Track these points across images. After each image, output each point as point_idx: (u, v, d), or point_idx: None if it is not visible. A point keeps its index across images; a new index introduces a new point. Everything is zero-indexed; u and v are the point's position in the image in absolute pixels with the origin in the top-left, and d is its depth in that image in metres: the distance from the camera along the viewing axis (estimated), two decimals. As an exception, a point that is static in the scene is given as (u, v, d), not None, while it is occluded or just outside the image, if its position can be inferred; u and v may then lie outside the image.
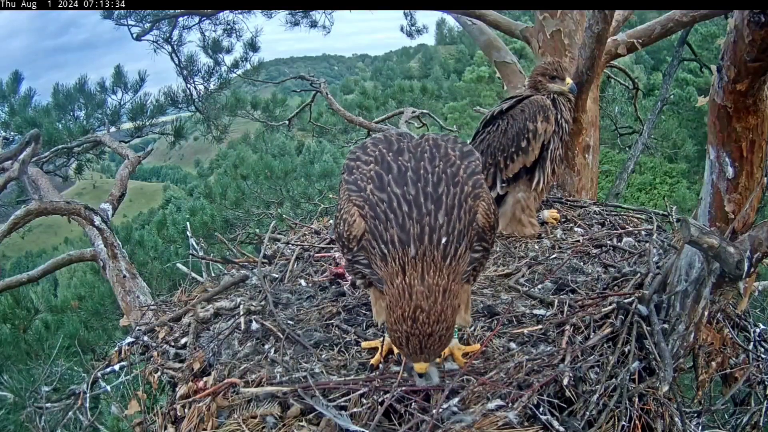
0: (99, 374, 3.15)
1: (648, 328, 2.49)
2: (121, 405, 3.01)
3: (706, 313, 2.47)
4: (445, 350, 2.43)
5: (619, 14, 5.27)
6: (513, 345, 2.53)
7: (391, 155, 2.22)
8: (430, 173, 2.13)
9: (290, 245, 3.97)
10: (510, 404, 2.11)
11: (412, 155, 2.21)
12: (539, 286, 3.06)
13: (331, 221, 4.37)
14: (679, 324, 2.49)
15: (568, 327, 2.55)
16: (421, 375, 2.17)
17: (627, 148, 11.47)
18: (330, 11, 9.43)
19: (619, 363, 2.38)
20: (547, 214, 4.05)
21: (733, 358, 3.05)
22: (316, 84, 9.18)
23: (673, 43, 11.46)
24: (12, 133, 7.54)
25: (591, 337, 2.49)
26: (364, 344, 2.62)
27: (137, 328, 3.29)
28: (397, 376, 2.26)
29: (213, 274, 3.99)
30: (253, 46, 9.79)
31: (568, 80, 3.84)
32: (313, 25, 9.75)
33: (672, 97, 11.95)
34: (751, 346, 3.11)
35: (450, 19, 26.65)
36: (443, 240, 1.99)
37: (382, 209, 2.06)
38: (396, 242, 2.00)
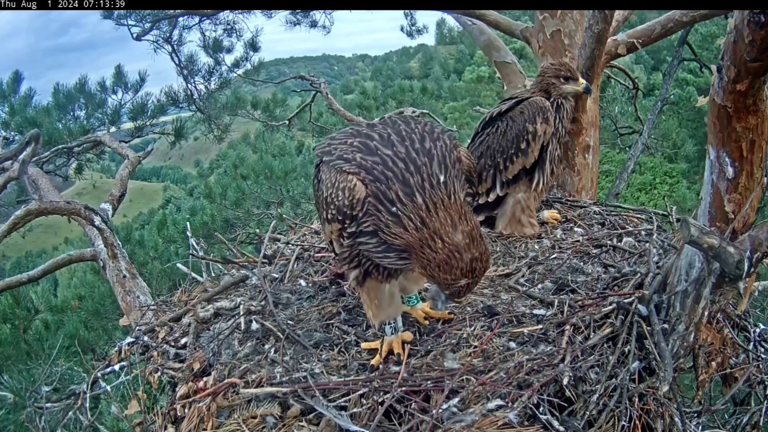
0: (99, 374, 3.15)
1: (648, 328, 2.49)
2: (121, 405, 3.02)
3: (706, 313, 2.47)
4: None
5: (619, 14, 5.27)
6: (513, 344, 2.53)
7: (365, 129, 2.28)
8: (413, 132, 2.20)
9: (290, 245, 3.97)
10: (510, 404, 2.11)
11: (386, 125, 2.27)
12: (539, 286, 3.06)
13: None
14: (679, 324, 2.49)
15: (568, 327, 2.55)
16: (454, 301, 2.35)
17: (627, 148, 11.44)
18: (330, 11, 9.43)
19: (619, 363, 2.38)
20: (547, 214, 4.05)
21: (733, 358, 3.05)
22: (316, 84, 9.19)
23: (673, 43, 11.44)
24: (12, 133, 7.54)
25: (591, 337, 2.49)
26: (363, 345, 2.62)
27: (137, 328, 3.29)
28: (397, 377, 2.26)
29: (213, 274, 3.99)
30: (253, 45, 9.79)
31: (582, 80, 3.82)
32: (313, 25, 9.74)
33: (672, 97, 11.94)
34: (751, 346, 3.11)
35: (450, 19, 26.62)
36: (441, 178, 2.07)
37: (379, 170, 2.10)
38: (402, 197, 2.04)
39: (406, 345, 2.52)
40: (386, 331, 2.54)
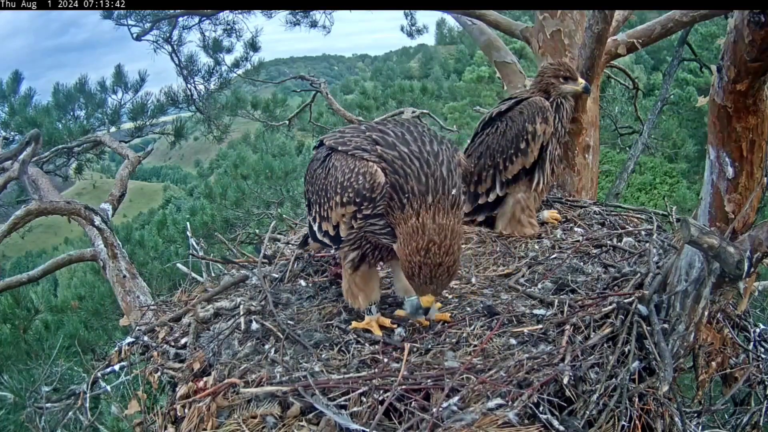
0: (99, 374, 3.15)
1: (648, 328, 2.49)
2: (121, 405, 3.02)
3: (706, 313, 2.47)
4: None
5: (619, 14, 5.27)
6: (513, 341, 2.53)
7: (378, 125, 2.51)
8: (422, 134, 2.44)
9: (290, 245, 3.97)
10: (510, 403, 2.11)
11: (395, 124, 2.50)
12: (539, 286, 3.06)
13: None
14: (679, 324, 2.49)
15: (568, 327, 2.55)
16: (425, 311, 2.47)
17: (627, 148, 11.46)
18: (330, 11, 9.44)
19: (619, 363, 2.38)
20: (547, 214, 4.05)
21: (733, 358, 3.05)
22: (316, 84, 9.19)
23: (673, 43, 11.46)
24: (12, 133, 7.55)
25: (591, 336, 2.49)
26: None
27: (137, 328, 3.29)
28: (397, 375, 2.27)
29: (213, 274, 3.99)
30: (253, 46, 9.79)
31: (581, 80, 3.82)
32: (313, 25, 9.75)
33: (672, 97, 11.94)
34: (751, 346, 3.11)
35: (450, 19, 26.67)
36: (453, 191, 2.32)
37: (399, 165, 2.33)
38: (417, 193, 2.28)
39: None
40: (372, 311, 2.77)
